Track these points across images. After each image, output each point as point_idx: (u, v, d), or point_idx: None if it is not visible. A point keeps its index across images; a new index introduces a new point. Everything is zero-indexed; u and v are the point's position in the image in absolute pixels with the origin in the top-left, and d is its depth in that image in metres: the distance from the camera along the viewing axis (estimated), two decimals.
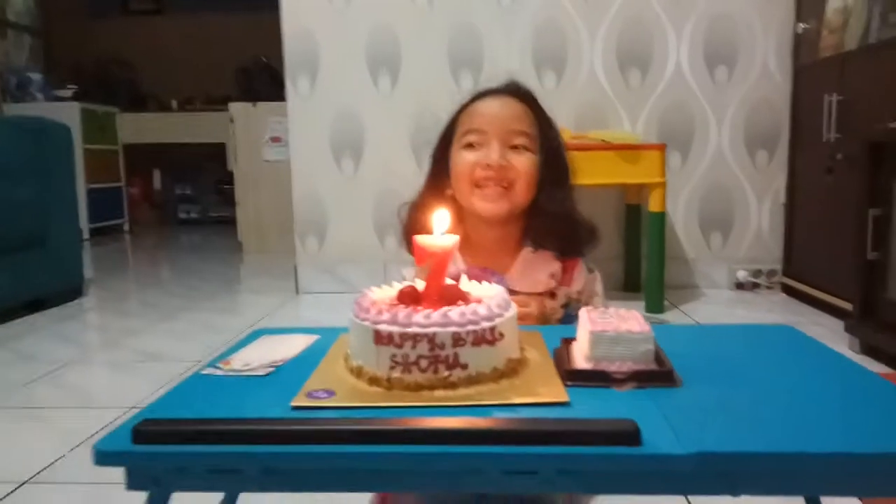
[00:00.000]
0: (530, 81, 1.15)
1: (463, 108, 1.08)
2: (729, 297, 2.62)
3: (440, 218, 0.72)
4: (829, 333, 2.01)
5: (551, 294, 1.08)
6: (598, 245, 1.10)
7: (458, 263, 1.12)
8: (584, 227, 1.08)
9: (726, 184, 2.71)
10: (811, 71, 2.40)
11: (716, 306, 2.47)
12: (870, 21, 2.01)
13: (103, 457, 0.50)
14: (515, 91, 1.07)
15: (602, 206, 2.70)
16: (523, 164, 1.02)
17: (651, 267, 2.33)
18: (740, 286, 2.70)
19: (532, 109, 1.06)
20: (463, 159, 1.03)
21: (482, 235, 1.09)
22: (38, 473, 1.22)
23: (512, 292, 1.02)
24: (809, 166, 2.40)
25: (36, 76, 4.72)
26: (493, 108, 1.04)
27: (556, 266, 1.08)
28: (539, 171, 1.04)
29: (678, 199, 2.71)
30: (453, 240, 0.69)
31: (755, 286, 2.69)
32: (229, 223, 4.63)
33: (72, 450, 1.29)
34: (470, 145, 1.03)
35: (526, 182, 1.02)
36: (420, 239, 0.69)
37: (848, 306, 1.93)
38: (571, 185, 1.10)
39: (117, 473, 0.50)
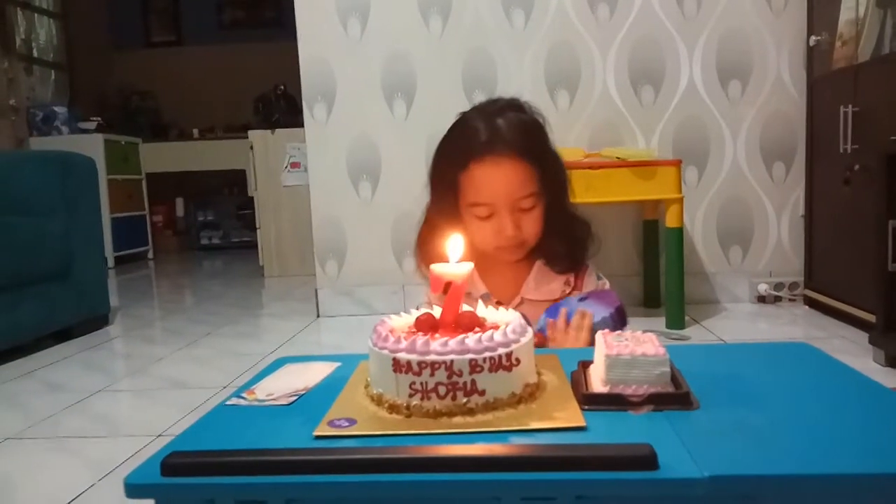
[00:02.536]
0: (544, 102, 1.18)
1: (464, 155, 1.09)
2: (751, 310, 2.60)
3: (454, 246, 0.74)
4: (854, 346, 1.99)
5: None
6: (598, 243, 1.17)
7: (476, 287, 1.15)
8: (583, 229, 1.15)
9: (744, 197, 2.70)
10: (825, 83, 2.39)
11: (738, 321, 2.45)
12: (882, 32, 2.01)
13: (134, 489, 0.51)
14: (512, 148, 1.06)
15: (619, 223, 2.70)
16: (533, 223, 1.09)
17: (670, 283, 2.32)
18: (762, 300, 2.67)
19: (531, 161, 1.06)
20: (481, 231, 1.09)
21: (496, 256, 1.14)
22: None
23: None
24: (827, 178, 2.38)
25: (61, 110, 4.83)
26: (496, 180, 1.06)
27: (569, 274, 1.17)
28: (545, 210, 1.10)
29: (696, 214, 2.70)
30: (468, 267, 0.71)
31: (777, 299, 2.67)
32: (251, 248, 4.68)
33: (101, 479, 1.31)
34: (482, 215, 1.08)
35: (536, 234, 1.10)
36: (436, 268, 0.71)
37: (872, 318, 1.91)
38: (568, 191, 1.15)
39: None
